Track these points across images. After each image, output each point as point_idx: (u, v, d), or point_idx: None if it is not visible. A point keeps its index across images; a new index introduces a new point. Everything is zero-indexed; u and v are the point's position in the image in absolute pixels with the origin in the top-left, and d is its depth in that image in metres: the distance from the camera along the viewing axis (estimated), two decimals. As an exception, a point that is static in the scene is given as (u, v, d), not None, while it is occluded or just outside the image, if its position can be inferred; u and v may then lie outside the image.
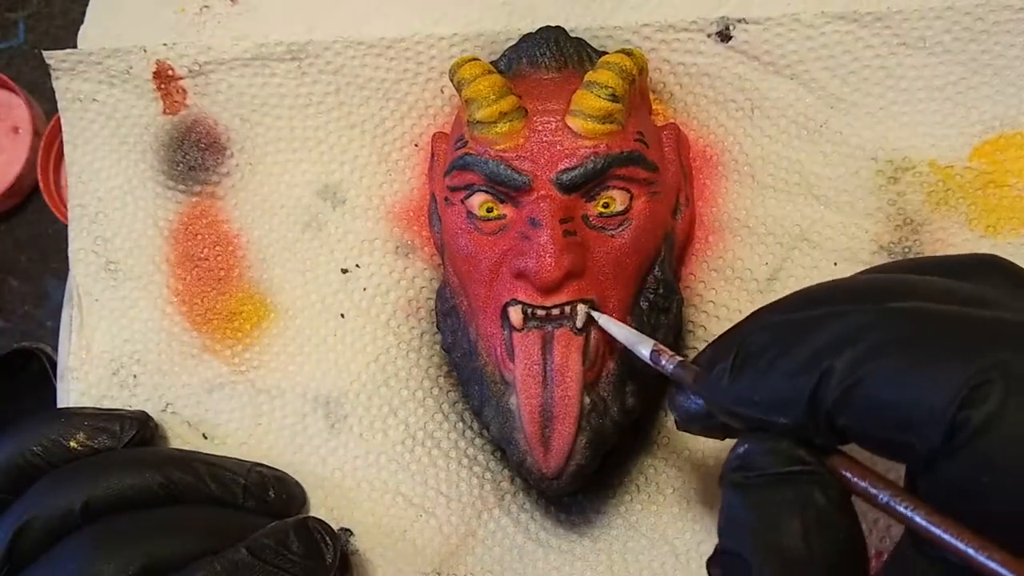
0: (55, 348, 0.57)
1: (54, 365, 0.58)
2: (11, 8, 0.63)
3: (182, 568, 0.41)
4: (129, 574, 0.40)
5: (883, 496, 0.28)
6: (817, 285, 0.34)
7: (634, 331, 0.42)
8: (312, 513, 0.51)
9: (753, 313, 0.35)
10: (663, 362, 0.39)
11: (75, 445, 0.46)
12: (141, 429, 0.49)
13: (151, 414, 0.53)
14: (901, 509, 0.28)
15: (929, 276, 0.32)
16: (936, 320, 0.28)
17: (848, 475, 0.29)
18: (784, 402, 0.29)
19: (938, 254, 0.49)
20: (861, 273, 0.34)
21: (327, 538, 0.45)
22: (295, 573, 0.43)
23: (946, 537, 0.26)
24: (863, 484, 0.29)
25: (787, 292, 0.49)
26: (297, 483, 0.51)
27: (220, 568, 0.41)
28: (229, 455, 0.52)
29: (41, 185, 0.61)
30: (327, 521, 0.51)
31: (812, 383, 0.28)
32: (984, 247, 0.49)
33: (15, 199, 0.61)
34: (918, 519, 0.27)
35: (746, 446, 0.31)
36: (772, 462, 0.30)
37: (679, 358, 0.38)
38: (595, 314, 0.44)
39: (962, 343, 0.26)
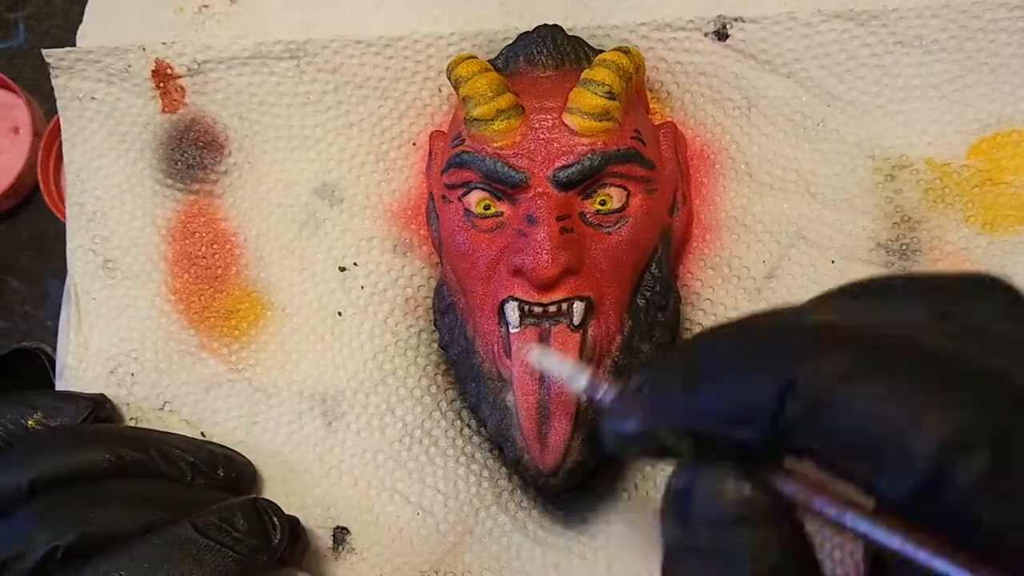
0: (55, 348, 0.57)
1: (54, 365, 0.58)
2: (11, 8, 0.63)
3: (121, 540, 0.41)
4: (63, 544, 0.40)
5: (853, 521, 0.24)
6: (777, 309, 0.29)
7: (573, 364, 0.35)
8: (309, 511, 0.51)
9: (693, 336, 0.31)
10: (600, 394, 0.32)
11: (32, 424, 0.48)
12: (96, 409, 0.50)
13: (149, 412, 0.53)
14: (880, 537, 0.24)
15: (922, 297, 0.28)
16: (919, 355, 0.24)
17: (811, 500, 0.25)
18: (742, 417, 0.25)
19: (936, 269, 0.49)
20: (850, 284, 0.30)
21: (275, 519, 0.45)
22: (239, 551, 0.43)
23: (940, 564, 0.22)
24: (829, 510, 0.25)
25: (785, 290, 0.50)
26: (248, 463, 0.51)
27: (161, 542, 0.41)
28: (227, 453, 0.53)
29: (41, 185, 0.61)
30: (324, 519, 0.51)
31: (774, 396, 0.24)
32: (981, 244, 0.49)
33: (15, 199, 0.61)
34: (906, 547, 0.23)
35: (687, 479, 0.26)
36: (720, 504, 0.26)
37: (617, 386, 0.32)
38: (538, 351, 0.39)
39: (944, 391, 0.23)
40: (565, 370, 0.35)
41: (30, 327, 0.61)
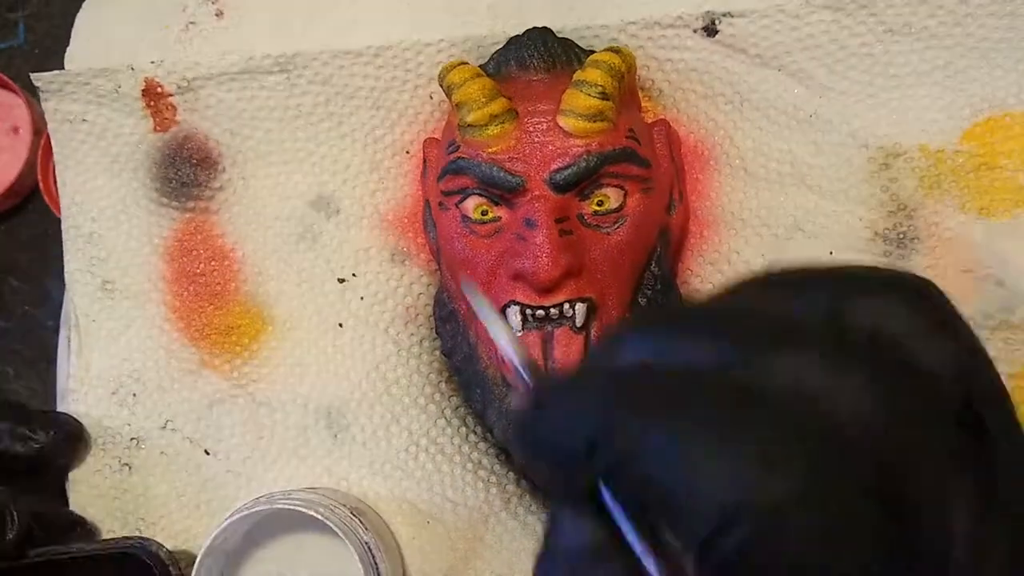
0: (55, 345, 0.57)
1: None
2: (11, 8, 0.63)
3: None
4: None
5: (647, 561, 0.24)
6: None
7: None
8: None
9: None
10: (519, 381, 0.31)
11: None
12: None
13: (152, 431, 0.53)
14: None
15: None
16: (720, 393, 0.22)
17: (624, 530, 0.24)
18: (561, 460, 0.24)
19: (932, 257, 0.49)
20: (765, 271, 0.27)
21: (14, 515, 0.47)
22: None
23: None
24: (635, 545, 0.24)
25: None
26: (75, 421, 0.53)
27: None
28: (232, 470, 0.52)
29: (41, 185, 0.61)
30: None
31: (582, 446, 0.23)
32: (978, 230, 0.49)
33: (15, 199, 0.60)
34: None
35: (551, 512, 0.26)
36: (575, 541, 0.24)
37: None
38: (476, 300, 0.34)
39: (729, 443, 0.21)
40: (503, 339, 0.31)
41: (30, 327, 0.61)
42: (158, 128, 0.55)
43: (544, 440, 0.24)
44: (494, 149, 0.45)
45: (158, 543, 0.49)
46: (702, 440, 0.21)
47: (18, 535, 0.47)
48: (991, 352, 0.47)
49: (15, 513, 0.47)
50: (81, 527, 0.52)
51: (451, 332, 0.49)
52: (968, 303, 0.49)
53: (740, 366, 0.23)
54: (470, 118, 0.45)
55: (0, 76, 0.60)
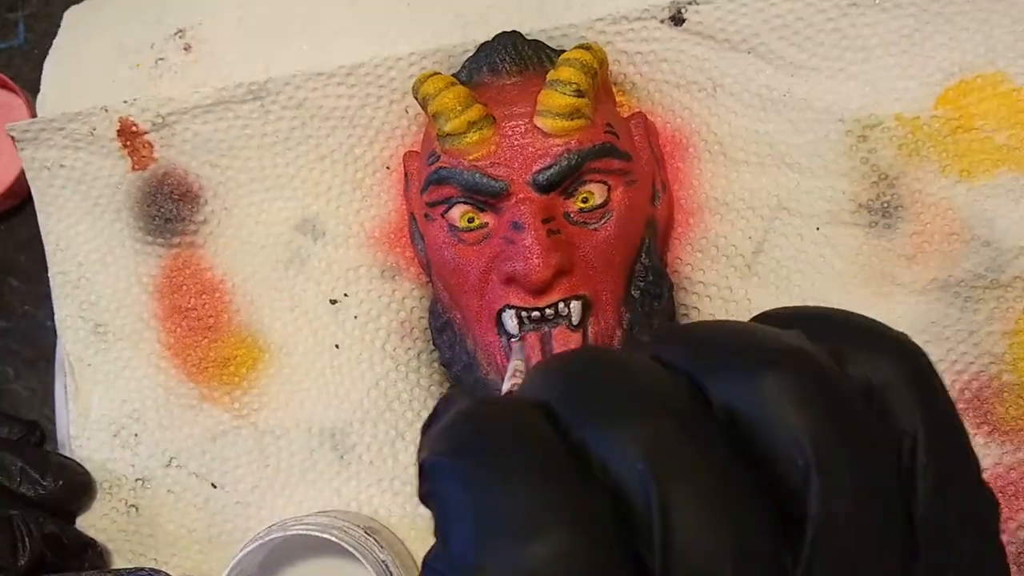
0: (55, 345, 0.57)
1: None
2: (11, 8, 0.63)
3: None
4: None
5: None
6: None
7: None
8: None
9: None
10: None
11: None
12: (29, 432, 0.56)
13: (157, 470, 0.53)
14: None
15: None
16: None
17: None
18: None
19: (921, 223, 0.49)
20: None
21: (27, 540, 0.48)
22: None
23: None
24: None
25: (774, 263, 0.50)
26: (84, 471, 0.54)
27: None
28: (241, 501, 0.52)
29: None
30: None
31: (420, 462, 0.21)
32: (960, 192, 0.49)
33: (15, 199, 0.60)
34: None
35: None
36: None
37: None
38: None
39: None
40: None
41: (30, 327, 0.61)
42: (136, 167, 0.55)
43: None
44: (475, 156, 0.46)
45: (167, 573, 0.49)
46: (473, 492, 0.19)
47: (30, 560, 0.47)
48: (984, 313, 0.48)
49: (27, 538, 0.47)
50: (92, 549, 0.52)
51: (448, 342, 0.49)
52: (957, 266, 0.49)
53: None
54: (448, 127, 0.45)
55: (0, 76, 0.60)
